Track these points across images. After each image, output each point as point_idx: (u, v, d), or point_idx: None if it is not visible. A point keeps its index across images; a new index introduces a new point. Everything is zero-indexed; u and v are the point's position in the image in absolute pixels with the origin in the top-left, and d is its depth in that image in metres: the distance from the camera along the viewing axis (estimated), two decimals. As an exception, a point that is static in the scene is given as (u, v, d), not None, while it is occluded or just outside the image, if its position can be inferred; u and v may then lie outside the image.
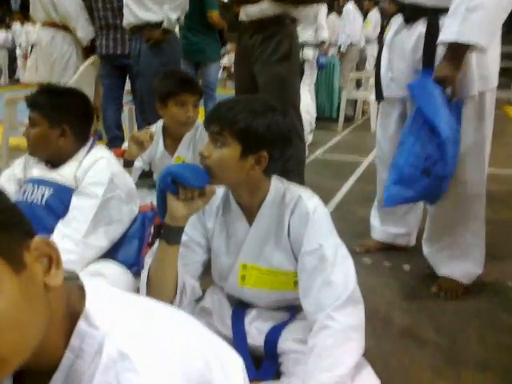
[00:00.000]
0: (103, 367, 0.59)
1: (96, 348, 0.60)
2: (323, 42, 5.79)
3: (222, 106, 1.24)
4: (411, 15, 1.85)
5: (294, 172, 2.53)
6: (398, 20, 1.95)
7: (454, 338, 1.65)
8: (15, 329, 0.54)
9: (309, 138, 4.76)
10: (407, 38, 1.86)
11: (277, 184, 1.35)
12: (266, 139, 1.20)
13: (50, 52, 3.74)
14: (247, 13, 2.50)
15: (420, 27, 1.81)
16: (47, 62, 3.77)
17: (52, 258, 0.61)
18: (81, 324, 0.61)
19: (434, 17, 1.76)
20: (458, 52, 1.65)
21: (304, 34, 5.68)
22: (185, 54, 4.01)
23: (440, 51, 1.75)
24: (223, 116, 1.20)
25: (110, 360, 0.59)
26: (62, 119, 1.58)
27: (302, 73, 4.88)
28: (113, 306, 0.66)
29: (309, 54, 5.49)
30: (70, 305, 0.63)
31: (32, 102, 1.58)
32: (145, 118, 3.09)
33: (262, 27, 2.49)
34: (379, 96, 2.04)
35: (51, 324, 0.60)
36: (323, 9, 5.67)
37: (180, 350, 0.63)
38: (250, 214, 1.34)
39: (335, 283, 1.21)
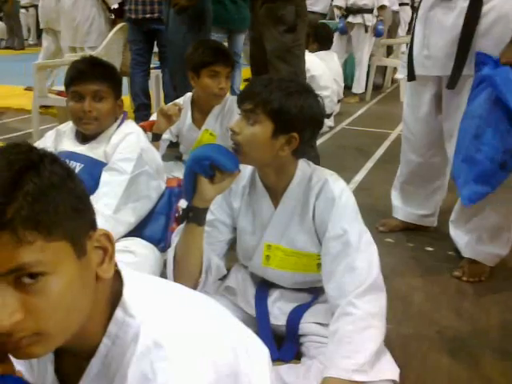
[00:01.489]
0: (138, 355, 0.61)
1: (132, 336, 0.63)
2: (383, 7, 5.54)
3: (257, 84, 1.24)
4: None
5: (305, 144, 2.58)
6: None
7: (474, 324, 1.66)
8: (66, 309, 0.58)
9: (336, 108, 4.68)
10: (446, 14, 1.79)
11: (304, 166, 1.35)
12: (299, 120, 1.21)
13: (73, 16, 3.73)
14: None
15: (461, 2, 1.74)
16: (70, 25, 3.77)
17: (107, 251, 0.65)
18: (118, 312, 0.65)
19: None
20: None
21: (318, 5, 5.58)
22: (219, 22, 3.93)
23: (484, 28, 1.69)
24: (257, 94, 1.21)
25: (144, 348, 0.61)
26: (120, 92, 1.63)
27: (330, 41, 4.76)
28: (149, 294, 0.69)
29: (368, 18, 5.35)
30: (112, 293, 0.67)
31: (96, 74, 1.56)
32: (174, 85, 3.09)
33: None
34: (411, 75, 1.98)
35: (94, 310, 0.64)
36: None
37: (211, 342, 0.66)
38: (276, 196, 1.36)
39: (358, 269, 1.23)
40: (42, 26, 4.52)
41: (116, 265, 0.69)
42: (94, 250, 0.63)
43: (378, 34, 5.66)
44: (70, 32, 3.81)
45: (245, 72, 4.55)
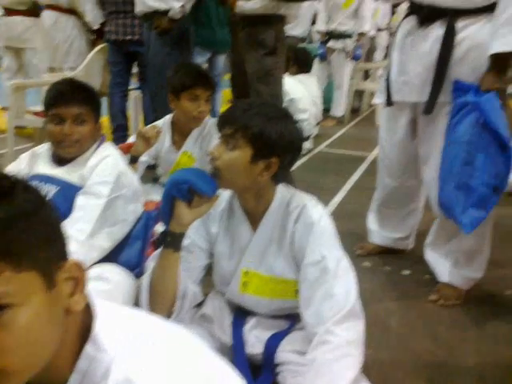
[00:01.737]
0: None
1: (103, 372, 0.61)
2: (362, 34, 5.73)
3: (237, 109, 1.24)
4: (428, 16, 1.81)
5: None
6: (409, 21, 1.91)
7: (451, 349, 1.67)
8: (32, 344, 0.56)
9: (314, 130, 4.74)
10: (422, 41, 1.83)
11: (283, 191, 1.35)
12: (278, 146, 1.21)
13: (53, 35, 3.71)
14: (240, 7, 2.52)
15: (437, 29, 1.78)
16: (49, 45, 3.75)
17: (79, 281, 0.62)
18: (88, 347, 0.62)
19: (453, 19, 1.74)
20: (507, 62, 1.63)
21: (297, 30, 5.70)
22: (205, 44, 3.97)
23: (458, 56, 1.73)
24: (237, 119, 1.21)
25: None
26: (99, 114, 1.61)
27: (309, 64, 4.84)
28: (120, 328, 0.67)
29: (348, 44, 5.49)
30: (82, 325, 0.65)
31: (78, 97, 1.54)
32: (154, 108, 3.08)
33: (252, 23, 2.51)
34: (389, 101, 2.01)
35: (63, 344, 0.61)
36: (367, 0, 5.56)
37: (184, 379, 0.63)
38: (255, 220, 1.35)
39: (336, 296, 1.22)
40: (1, 44, 4.36)
41: (87, 296, 0.67)
42: (64, 281, 0.61)
43: (356, 57, 5.80)
44: (49, 52, 3.78)
45: (226, 94, 4.58)
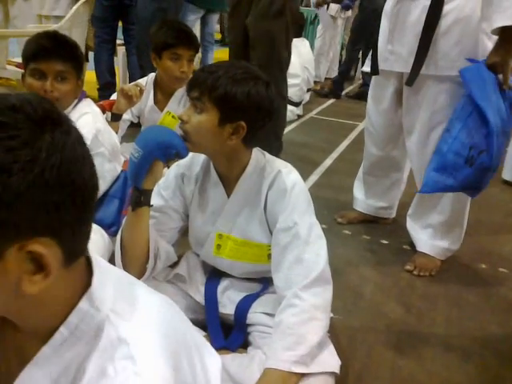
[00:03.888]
0: (101, 349, 0.59)
1: (94, 328, 0.60)
2: None
3: (204, 72, 1.21)
4: None
5: (270, 132, 2.53)
6: None
7: (421, 318, 1.70)
8: None
9: (306, 96, 4.68)
10: (410, 10, 1.79)
11: (258, 156, 1.34)
12: (245, 108, 1.18)
13: None
14: None
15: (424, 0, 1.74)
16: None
17: (44, 268, 0.54)
18: (83, 303, 0.60)
19: None
20: None
21: None
22: (200, 2, 3.87)
23: (444, 28, 1.70)
24: (203, 81, 1.18)
25: (108, 343, 0.59)
26: (82, 72, 1.57)
27: (301, 28, 4.74)
28: (115, 286, 0.65)
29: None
30: (81, 282, 0.62)
31: (61, 53, 1.49)
32: (141, 65, 3.02)
33: None
34: (375, 70, 1.98)
35: (53, 298, 0.58)
36: None
37: (174, 348, 0.64)
38: (229, 184, 1.34)
39: (306, 261, 1.23)
40: None
41: (87, 251, 0.63)
42: (24, 256, 0.52)
43: (344, 7, 5.66)
44: None
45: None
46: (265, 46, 2.46)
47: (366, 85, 5.01)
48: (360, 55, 5.58)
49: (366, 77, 4.93)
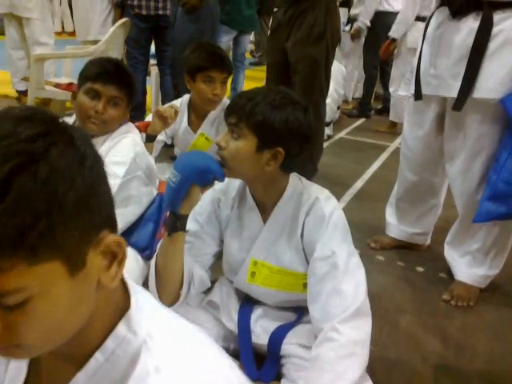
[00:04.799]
0: (136, 378, 0.56)
1: (131, 354, 0.57)
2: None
3: (242, 97, 1.21)
4: (461, 8, 1.73)
5: (306, 156, 2.54)
6: (441, 13, 1.84)
7: (460, 351, 1.64)
8: (50, 326, 0.52)
9: (336, 116, 4.65)
10: (454, 33, 1.75)
11: (295, 182, 1.32)
12: (283, 135, 1.17)
13: (87, 9, 3.66)
14: None
15: (471, 22, 1.70)
16: (85, 19, 3.69)
17: (117, 256, 0.55)
18: (120, 327, 0.58)
19: (488, 11, 1.66)
20: None
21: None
22: (232, 24, 3.95)
23: (492, 50, 1.66)
24: (241, 107, 1.18)
25: (144, 372, 0.56)
26: (132, 100, 1.63)
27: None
28: (152, 312, 0.63)
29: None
30: (117, 304, 0.60)
31: (120, 79, 1.55)
32: (175, 84, 3.05)
33: (296, 1, 2.41)
34: (418, 95, 1.93)
35: (92, 320, 0.56)
36: None
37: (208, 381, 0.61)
38: (265, 210, 1.33)
39: (345, 293, 1.20)
40: (1, 11, 3.86)
41: (122, 275, 0.60)
42: (99, 255, 0.53)
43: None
44: (85, 25, 3.69)
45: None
46: (306, 70, 2.46)
47: (386, 100, 5.07)
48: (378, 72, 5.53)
49: (386, 92, 4.97)
